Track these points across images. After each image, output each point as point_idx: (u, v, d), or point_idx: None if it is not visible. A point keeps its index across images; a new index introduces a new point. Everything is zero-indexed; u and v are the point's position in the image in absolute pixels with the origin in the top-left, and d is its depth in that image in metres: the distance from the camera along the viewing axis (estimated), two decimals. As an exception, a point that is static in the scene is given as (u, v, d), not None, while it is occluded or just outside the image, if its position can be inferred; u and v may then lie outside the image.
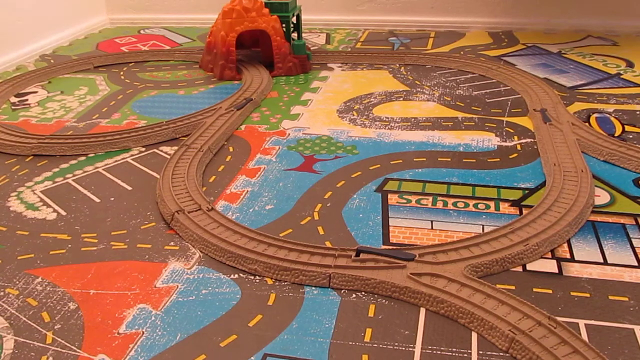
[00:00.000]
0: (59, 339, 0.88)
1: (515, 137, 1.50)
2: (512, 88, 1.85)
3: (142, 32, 2.81)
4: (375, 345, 0.85)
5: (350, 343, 0.85)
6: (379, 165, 1.38)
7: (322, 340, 0.86)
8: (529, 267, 1.00)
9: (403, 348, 0.84)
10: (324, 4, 2.72)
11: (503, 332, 0.83)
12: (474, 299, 0.89)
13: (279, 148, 1.49)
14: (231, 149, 1.50)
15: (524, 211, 1.16)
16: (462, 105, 1.73)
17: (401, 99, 1.80)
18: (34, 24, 2.45)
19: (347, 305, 0.93)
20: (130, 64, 2.26)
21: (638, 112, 1.62)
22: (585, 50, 2.21)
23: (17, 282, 1.01)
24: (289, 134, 1.57)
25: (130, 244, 1.11)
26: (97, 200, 1.28)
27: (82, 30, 2.76)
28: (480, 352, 0.83)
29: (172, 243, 1.11)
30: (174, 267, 1.04)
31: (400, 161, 1.39)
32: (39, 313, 0.93)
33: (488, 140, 1.49)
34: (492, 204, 1.20)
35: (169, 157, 1.42)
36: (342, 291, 0.96)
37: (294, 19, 2.11)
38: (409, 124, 1.61)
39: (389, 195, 1.25)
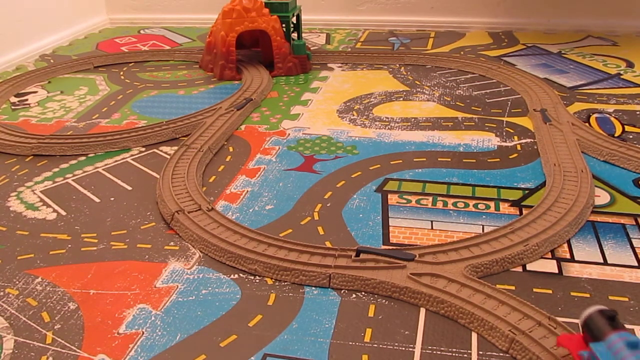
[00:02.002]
0: (59, 339, 0.88)
1: (515, 137, 1.50)
2: (512, 88, 1.85)
3: (142, 32, 2.81)
4: (375, 345, 0.85)
5: (350, 343, 0.85)
6: (379, 165, 1.38)
7: (322, 341, 0.86)
8: (529, 267, 1.00)
9: (403, 348, 0.84)
10: (324, 4, 2.72)
11: (503, 332, 0.83)
12: (474, 299, 0.89)
13: (279, 148, 1.49)
14: (231, 149, 1.50)
15: (524, 211, 1.15)
16: (462, 105, 1.73)
17: (401, 99, 1.80)
18: (34, 24, 2.45)
19: (347, 306, 0.93)
20: (130, 64, 2.26)
21: (638, 112, 1.62)
22: (585, 50, 2.21)
23: (17, 282, 1.01)
24: (289, 134, 1.57)
25: (130, 244, 1.11)
26: (97, 200, 1.28)
27: (82, 30, 2.76)
28: (480, 353, 0.83)
29: (172, 243, 1.11)
30: (174, 267, 1.04)
31: (400, 161, 1.39)
32: (39, 313, 0.93)
33: (488, 140, 1.49)
34: (492, 204, 1.20)
35: (169, 157, 1.42)
36: (342, 291, 0.96)
37: (294, 19, 2.11)
38: (409, 124, 1.61)
39: (389, 195, 1.25)
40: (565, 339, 0.81)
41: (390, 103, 1.77)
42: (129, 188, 1.32)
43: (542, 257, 1.02)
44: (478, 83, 1.92)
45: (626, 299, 0.92)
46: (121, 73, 2.16)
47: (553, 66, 2.04)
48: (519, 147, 1.44)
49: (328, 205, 1.22)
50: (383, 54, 2.21)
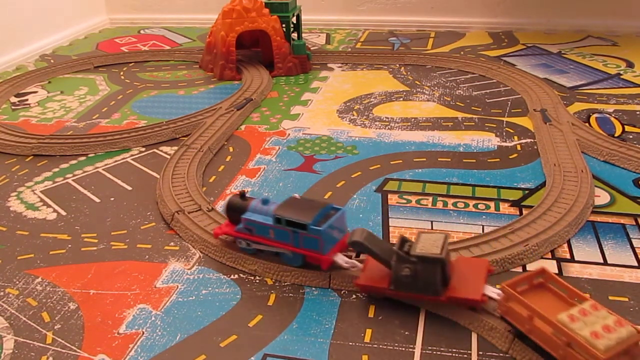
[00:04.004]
0: (59, 339, 0.88)
1: (515, 137, 1.50)
2: (512, 88, 1.85)
3: (142, 32, 2.81)
4: (375, 345, 0.85)
5: (350, 343, 0.85)
6: (379, 166, 1.38)
7: (322, 341, 0.86)
8: (529, 267, 1.00)
9: (403, 349, 0.84)
10: (324, 4, 2.72)
11: (503, 332, 0.83)
12: (474, 299, 0.89)
13: (279, 148, 1.49)
14: (231, 149, 1.50)
15: (524, 211, 1.15)
16: (462, 105, 1.73)
17: (401, 99, 1.80)
18: (34, 24, 2.44)
19: (347, 306, 0.93)
20: (130, 64, 2.26)
21: (638, 112, 1.62)
22: (585, 51, 2.21)
23: (17, 282, 1.01)
24: (289, 134, 1.57)
25: (130, 244, 1.11)
26: (97, 200, 1.28)
27: (82, 30, 2.76)
28: (480, 353, 0.83)
29: (172, 243, 1.11)
30: (174, 268, 1.04)
31: (400, 161, 1.39)
32: (39, 313, 0.93)
33: (488, 140, 1.49)
34: (492, 204, 1.20)
35: (169, 157, 1.42)
36: (342, 292, 0.96)
37: (294, 19, 2.11)
38: (409, 124, 1.61)
39: (389, 196, 1.24)
40: (219, 229, 1.02)
41: (390, 103, 1.77)
42: (129, 188, 1.32)
43: (542, 257, 1.02)
44: (478, 83, 1.92)
45: (626, 299, 0.92)
46: (121, 73, 2.16)
47: (553, 66, 2.04)
48: (519, 147, 1.44)
49: (328, 205, 1.22)
50: (383, 54, 2.21)
